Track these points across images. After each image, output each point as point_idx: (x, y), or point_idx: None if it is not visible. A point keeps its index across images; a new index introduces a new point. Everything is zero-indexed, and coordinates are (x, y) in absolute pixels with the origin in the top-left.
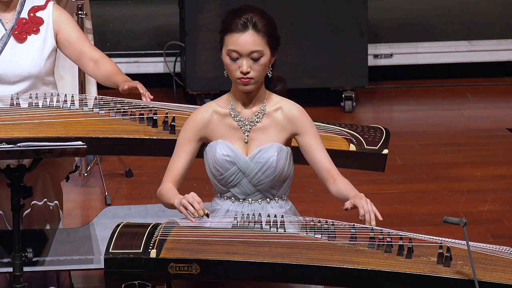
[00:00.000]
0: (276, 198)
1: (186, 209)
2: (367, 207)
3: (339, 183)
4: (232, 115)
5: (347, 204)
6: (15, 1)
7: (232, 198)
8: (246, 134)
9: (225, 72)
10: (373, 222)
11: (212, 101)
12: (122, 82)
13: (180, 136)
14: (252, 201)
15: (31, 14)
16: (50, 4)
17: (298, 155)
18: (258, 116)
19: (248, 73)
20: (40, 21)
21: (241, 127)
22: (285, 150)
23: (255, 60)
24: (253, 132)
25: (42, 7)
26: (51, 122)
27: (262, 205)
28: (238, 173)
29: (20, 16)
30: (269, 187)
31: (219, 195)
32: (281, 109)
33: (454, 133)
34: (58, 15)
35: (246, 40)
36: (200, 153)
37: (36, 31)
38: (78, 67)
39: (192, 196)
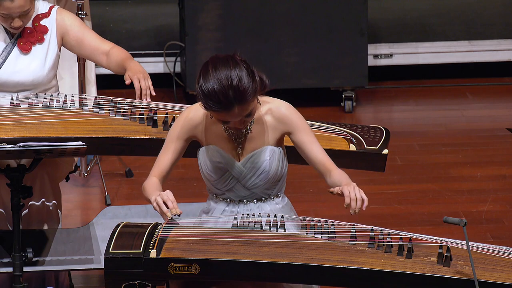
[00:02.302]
0: (272, 197)
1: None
2: (353, 195)
3: (334, 175)
4: (223, 128)
5: (335, 189)
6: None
7: (228, 200)
8: (239, 146)
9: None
10: (357, 210)
11: None
12: (127, 71)
13: (171, 131)
14: (248, 202)
15: (36, 24)
16: (54, 10)
17: (298, 156)
18: (248, 128)
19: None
20: (45, 30)
21: (233, 140)
22: (277, 152)
23: (247, 115)
24: (245, 141)
25: (46, 15)
26: (51, 122)
27: (257, 204)
28: (232, 179)
29: (25, 26)
30: (264, 188)
31: (214, 195)
32: (270, 110)
33: (454, 133)
34: (61, 19)
35: (236, 114)
36: (195, 154)
37: (41, 40)
38: (78, 67)
39: (167, 195)
